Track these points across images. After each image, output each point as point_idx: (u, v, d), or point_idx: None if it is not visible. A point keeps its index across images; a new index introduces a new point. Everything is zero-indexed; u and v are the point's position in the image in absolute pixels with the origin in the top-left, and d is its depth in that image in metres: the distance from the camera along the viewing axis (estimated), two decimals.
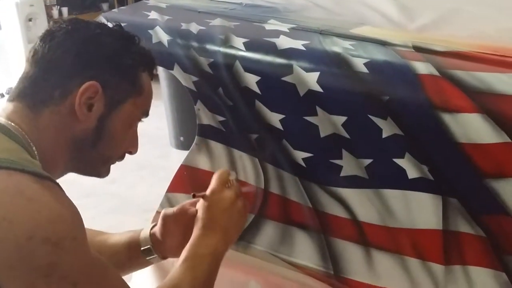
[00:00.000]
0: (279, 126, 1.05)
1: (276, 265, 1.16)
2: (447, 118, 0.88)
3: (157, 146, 3.64)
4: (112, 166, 0.94)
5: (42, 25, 4.58)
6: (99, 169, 0.91)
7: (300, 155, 1.05)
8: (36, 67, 0.83)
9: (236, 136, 1.13)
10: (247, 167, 1.14)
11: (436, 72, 0.91)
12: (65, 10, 5.39)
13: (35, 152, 0.79)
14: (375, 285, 1.05)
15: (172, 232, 1.00)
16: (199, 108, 1.17)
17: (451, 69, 0.90)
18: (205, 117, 1.16)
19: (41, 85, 0.82)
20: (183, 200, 1.22)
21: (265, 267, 1.17)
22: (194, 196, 0.97)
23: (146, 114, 0.92)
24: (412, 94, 0.92)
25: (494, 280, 0.93)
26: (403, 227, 0.99)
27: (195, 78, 1.14)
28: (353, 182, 1.02)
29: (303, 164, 1.06)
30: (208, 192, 0.95)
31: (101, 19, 1.30)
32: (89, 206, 2.72)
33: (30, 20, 4.76)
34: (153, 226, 1.03)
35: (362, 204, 1.02)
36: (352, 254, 1.06)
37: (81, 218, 0.73)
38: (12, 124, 0.79)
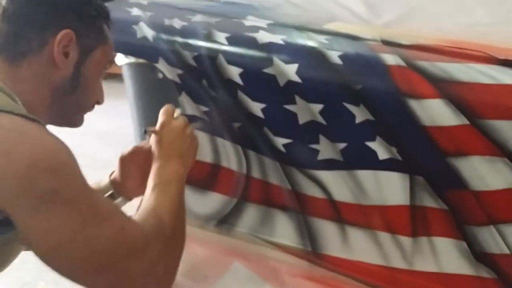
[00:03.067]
0: (260, 114, 1.13)
1: (258, 245, 1.24)
2: (413, 104, 0.98)
3: (121, 145, 3.66)
4: None
5: None
6: (75, 117, 0.95)
7: (280, 141, 1.14)
8: (9, 23, 0.86)
9: (219, 125, 1.21)
10: (230, 154, 1.22)
11: (403, 63, 1.01)
12: None
13: (19, 103, 0.83)
14: (349, 259, 1.15)
15: (131, 173, 1.05)
16: (183, 100, 1.24)
17: (416, 60, 1.01)
18: (190, 107, 1.23)
19: (17, 38, 0.87)
20: None
21: (247, 248, 1.25)
22: (145, 132, 1.02)
23: (111, 62, 0.98)
24: (382, 83, 1.02)
25: (455, 249, 1.04)
26: (374, 204, 1.09)
27: (179, 71, 1.21)
28: (330, 164, 1.11)
29: (283, 150, 1.14)
30: (157, 126, 1.00)
31: None
32: None
33: None
34: (112, 173, 1.08)
35: (338, 184, 1.12)
36: (328, 232, 1.16)
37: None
38: None
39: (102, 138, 2.96)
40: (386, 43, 1.07)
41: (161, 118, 1.02)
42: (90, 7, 0.92)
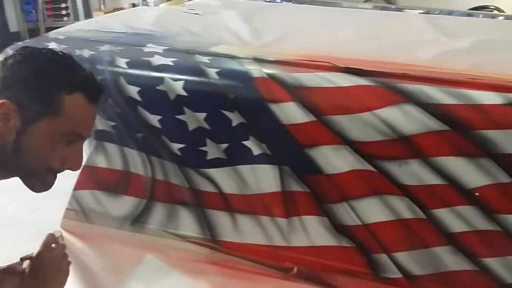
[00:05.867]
0: (157, 125, 1.34)
1: (167, 238, 1.43)
2: (274, 107, 1.21)
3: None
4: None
5: None
6: (27, 181, 1.04)
7: (176, 146, 1.34)
8: None
9: (125, 137, 1.41)
10: (137, 161, 1.41)
11: (265, 75, 1.24)
12: None
13: None
14: (241, 242, 1.35)
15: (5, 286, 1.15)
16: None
17: (275, 72, 1.24)
18: (100, 123, 1.42)
19: None
20: (87, 196, 1.49)
21: (158, 242, 1.44)
22: (21, 260, 1.17)
23: (75, 135, 1.04)
24: (250, 92, 1.24)
25: (320, 224, 1.26)
26: (254, 193, 1.30)
27: None
28: (217, 163, 1.32)
29: (179, 153, 1.35)
30: (34, 254, 1.15)
31: (8, 51, 1.53)
32: (9, 235, 2.81)
33: None
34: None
35: (225, 179, 1.32)
36: (222, 220, 1.36)
37: None
38: None
39: None
40: (255, 59, 1.31)
41: (40, 246, 1.15)
42: (46, 78, 0.98)
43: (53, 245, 1.17)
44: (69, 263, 1.23)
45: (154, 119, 1.34)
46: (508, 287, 1.14)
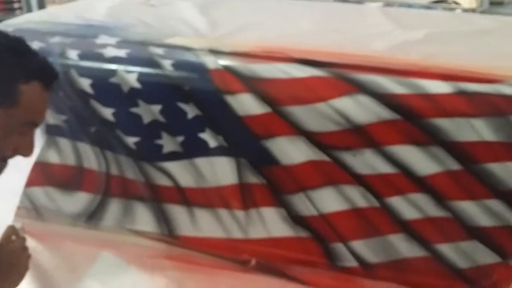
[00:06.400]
0: (111, 118, 1.31)
1: (123, 235, 1.40)
2: (229, 98, 1.20)
3: None
4: None
5: None
6: None
7: (131, 140, 1.31)
8: None
9: (78, 131, 1.37)
10: (90, 156, 1.38)
11: (220, 67, 1.23)
12: None
13: None
14: (198, 236, 1.34)
15: None
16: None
17: (231, 63, 1.23)
18: (52, 117, 1.38)
19: None
20: (39, 193, 1.44)
21: (114, 238, 1.41)
22: None
23: (30, 123, 1.00)
24: (205, 84, 1.23)
25: (277, 215, 1.26)
26: (212, 186, 1.29)
27: None
28: (173, 156, 1.30)
29: (134, 147, 1.32)
30: None
31: None
32: None
33: None
34: None
35: (181, 173, 1.31)
36: (179, 215, 1.34)
37: None
38: None
39: None
40: (211, 51, 1.29)
41: None
42: (2, 67, 0.91)
43: (13, 237, 1.14)
44: (29, 256, 1.19)
45: (107, 113, 1.30)
46: (459, 272, 1.17)
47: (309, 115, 1.16)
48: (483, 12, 2.78)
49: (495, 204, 1.11)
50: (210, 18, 1.60)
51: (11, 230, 1.16)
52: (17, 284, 1.13)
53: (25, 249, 1.16)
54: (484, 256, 1.15)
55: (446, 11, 1.99)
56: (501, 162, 1.09)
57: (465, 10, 2.47)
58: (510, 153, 1.08)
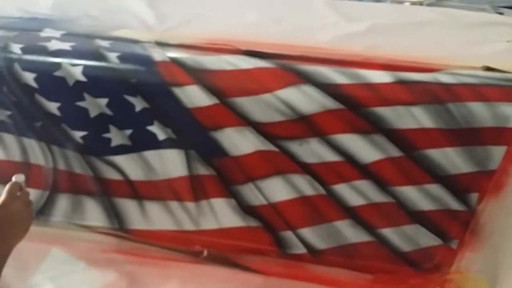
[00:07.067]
0: (57, 112, 1.29)
1: (73, 230, 1.39)
2: (177, 91, 1.20)
3: None
4: None
5: None
6: None
7: (78, 134, 1.30)
8: None
9: (23, 126, 1.34)
10: (37, 151, 1.35)
11: (167, 59, 1.23)
12: None
13: None
14: (149, 229, 1.34)
15: None
16: None
17: (177, 55, 1.23)
18: None
19: None
20: None
21: (63, 234, 1.39)
22: None
23: None
24: (152, 76, 1.23)
25: (227, 206, 1.28)
26: (162, 179, 1.29)
27: None
28: (121, 149, 1.29)
29: (81, 142, 1.30)
30: None
31: None
32: None
33: None
34: None
35: (131, 166, 1.30)
36: (130, 208, 1.34)
37: None
38: None
39: None
40: (158, 44, 1.29)
41: (3, 196, 1.07)
42: None
43: (18, 193, 1.10)
44: (32, 210, 1.12)
45: (53, 107, 1.28)
46: (403, 255, 1.22)
47: (255, 106, 1.17)
48: (430, 5, 2.85)
49: (435, 189, 1.16)
50: (158, 11, 1.58)
51: (16, 185, 1.10)
52: (21, 238, 1.10)
53: (29, 203, 1.11)
54: (426, 239, 1.20)
55: (393, 4, 2.04)
56: (439, 148, 1.14)
57: (413, 3, 2.53)
58: (448, 139, 1.13)
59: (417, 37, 1.41)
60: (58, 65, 1.25)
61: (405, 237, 1.20)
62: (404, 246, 1.21)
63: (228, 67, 1.20)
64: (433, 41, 1.40)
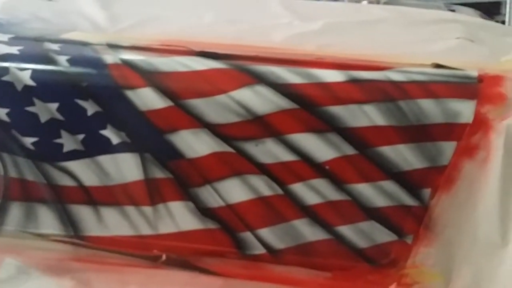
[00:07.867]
0: (6, 119, 1.25)
1: (27, 239, 1.34)
2: (129, 93, 1.19)
3: None
4: None
5: None
6: None
7: (28, 141, 1.26)
8: None
9: None
10: None
11: (119, 61, 1.21)
12: None
13: None
14: (106, 235, 1.31)
15: None
16: None
17: (130, 57, 1.21)
18: None
19: None
20: None
21: (17, 244, 1.34)
22: None
23: None
24: (103, 79, 1.21)
25: (185, 209, 1.26)
26: (117, 184, 1.27)
27: None
28: (74, 155, 1.26)
29: (32, 148, 1.27)
30: None
31: None
32: None
33: None
34: None
35: (84, 171, 1.27)
36: (85, 215, 1.30)
37: None
38: None
39: None
40: (109, 46, 1.26)
41: None
42: None
43: None
44: None
45: (1, 113, 1.24)
46: (360, 252, 1.23)
47: (210, 108, 1.17)
48: (386, 3, 2.91)
49: (389, 185, 1.18)
50: (110, 12, 1.56)
51: None
52: None
53: None
54: (382, 235, 1.22)
55: (349, 3, 2.07)
56: (392, 145, 1.16)
57: (371, 2, 2.57)
58: (400, 136, 1.15)
59: (370, 36, 1.43)
60: (5, 70, 1.21)
61: (361, 234, 1.22)
62: (361, 243, 1.22)
63: (182, 69, 1.19)
64: (385, 39, 1.42)
